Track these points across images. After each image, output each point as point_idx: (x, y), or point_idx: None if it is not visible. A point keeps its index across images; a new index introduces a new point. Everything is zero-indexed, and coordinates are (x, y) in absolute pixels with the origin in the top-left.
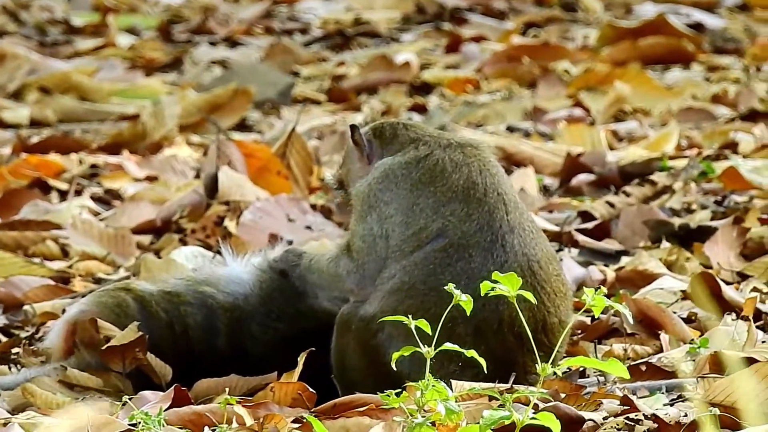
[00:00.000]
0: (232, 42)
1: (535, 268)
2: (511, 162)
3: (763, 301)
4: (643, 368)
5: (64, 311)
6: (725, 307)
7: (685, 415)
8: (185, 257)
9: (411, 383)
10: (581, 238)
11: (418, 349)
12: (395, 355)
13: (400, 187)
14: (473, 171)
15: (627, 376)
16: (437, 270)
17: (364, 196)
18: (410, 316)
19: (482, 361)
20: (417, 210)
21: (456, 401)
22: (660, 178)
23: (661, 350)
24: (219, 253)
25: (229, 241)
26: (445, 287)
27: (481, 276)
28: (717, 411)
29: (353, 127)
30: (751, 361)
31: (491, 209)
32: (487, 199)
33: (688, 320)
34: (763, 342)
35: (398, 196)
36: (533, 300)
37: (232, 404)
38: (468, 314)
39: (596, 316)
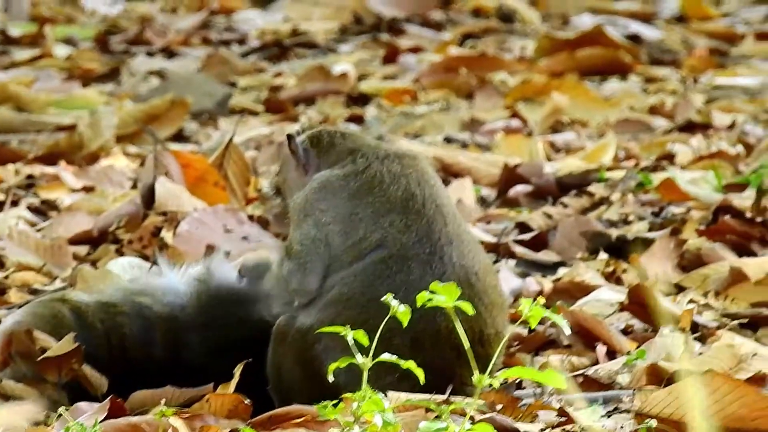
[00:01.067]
0: (169, 52)
1: (473, 280)
2: (449, 173)
3: (699, 313)
4: (580, 380)
5: None
6: (660, 319)
7: (622, 427)
8: (122, 268)
9: (347, 395)
10: (518, 249)
11: (354, 360)
12: (332, 367)
13: (338, 197)
14: (411, 182)
15: (564, 387)
16: (376, 281)
17: (300, 207)
18: (348, 328)
19: (419, 373)
20: (356, 220)
21: (393, 413)
22: (597, 189)
23: (597, 362)
24: (156, 263)
25: (166, 252)
26: (383, 299)
27: (420, 287)
28: (654, 423)
29: (289, 136)
30: (687, 373)
31: (430, 221)
32: (425, 211)
33: (625, 332)
34: (700, 354)
35: (336, 205)
36: (471, 311)
37: (167, 416)
38: (405, 326)
39: (533, 328)
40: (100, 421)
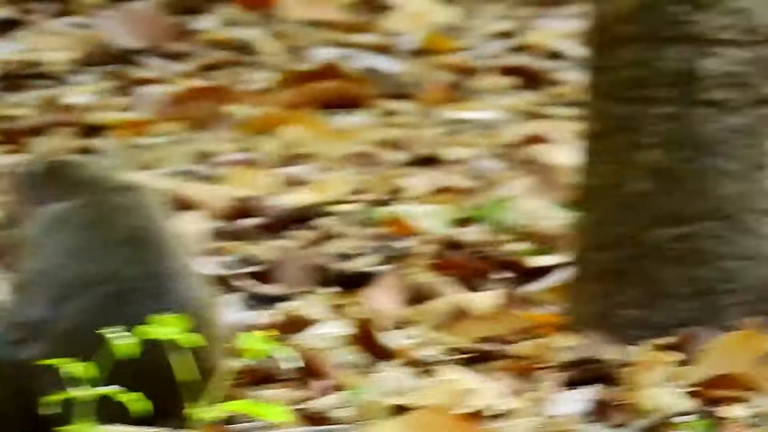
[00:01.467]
0: None
1: (198, 313)
2: (179, 205)
3: (422, 348)
4: (301, 414)
5: None
6: (383, 353)
7: None
8: None
9: (68, 427)
10: (246, 282)
11: (75, 393)
12: (51, 399)
13: (67, 230)
14: (139, 215)
15: (286, 420)
16: (101, 315)
17: (30, 239)
18: (70, 361)
19: (143, 406)
20: (83, 254)
21: None
22: (327, 222)
23: (318, 396)
24: None
25: None
26: (108, 332)
27: (145, 321)
28: None
29: (21, 168)
30: (404, 408)
31: (156, 254)
32: (151, 244)
33: (348, 366)
34: (420, 389)
35: (65, 238)
36: (193, 344)
37: None
38: (129, 359)
39: (255, 361)
40: None
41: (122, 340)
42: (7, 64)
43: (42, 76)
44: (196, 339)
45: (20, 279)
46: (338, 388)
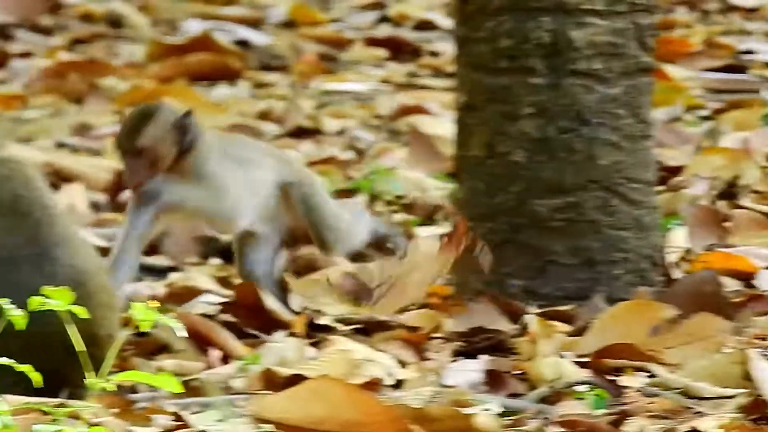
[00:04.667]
0: None
1: (83, 279)
2: (60, 178)
3: (313, 318)
4: (195, 384)
5: None
6: (275, 323)
7: None
8: None
9: None
10: None
11: None
12: None
13: None
14: (17, 185)
15: (179, 390)
16: None
17: None
18: None
19: (34, 376)
20: None
21: (10, 416)
22: None
23: (211, 366)
24: None
25: None
26: None
27: (30, 288)
28: (269, 427)
29: None
30: (301, 377)
31: (37, 222)
32: (33, 213)
33: (239, 337)
34: (315, 359)
35: None
36: (84, 314)
37: None
38: (18, 329)
39: (145, 332)
40: None
41: (12, 311)
42: None
43: None
44: (84, 308)
45: None
46: (232, 357)
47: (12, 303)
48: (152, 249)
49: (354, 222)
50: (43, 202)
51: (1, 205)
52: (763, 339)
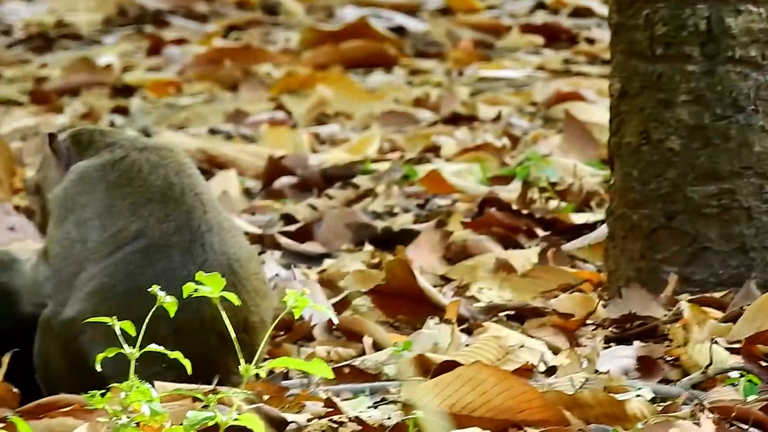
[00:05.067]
0: None
1: (235, 267)
2: (213, 164)
3: (465, 305)
4: (347, 370)
5: None
6: (428, 310)
7: (389, 418)
8: None
9: (115, 384)
10: (284, 240)
11: (120, 350)
12: (98, 357)
13: (96, 190)
14: (170, 172)
15: (331, 376)
16: (137, 270)
17: (60, 200)
18: (114, 318)
19: (186, 363)
20: (114, 211)
21: (160, 402)
22: (362, 181)
23: (364, 353)
24: None
25: None
26: (146, 288)
27: (182, 276)
28: (421, 414)
29: (50, 135)
30: (453, 363)
31: (189, 210)
32: (184, 200)
33: (391, 324)
34: (467, 345)
35: (94, 198)
36: (236, 301)
37: None
38: (170, 315)
39: (297, 318)
40: None
41: (164, 298)
42: (35, 26)
43: (70, 36)
44: (237, 295)
45: (50, 249)
46: (383, 345)
47: (163, 290)
48: (306, 235)
49: None
50: (196, 188)
51: (153, 192)
52: None
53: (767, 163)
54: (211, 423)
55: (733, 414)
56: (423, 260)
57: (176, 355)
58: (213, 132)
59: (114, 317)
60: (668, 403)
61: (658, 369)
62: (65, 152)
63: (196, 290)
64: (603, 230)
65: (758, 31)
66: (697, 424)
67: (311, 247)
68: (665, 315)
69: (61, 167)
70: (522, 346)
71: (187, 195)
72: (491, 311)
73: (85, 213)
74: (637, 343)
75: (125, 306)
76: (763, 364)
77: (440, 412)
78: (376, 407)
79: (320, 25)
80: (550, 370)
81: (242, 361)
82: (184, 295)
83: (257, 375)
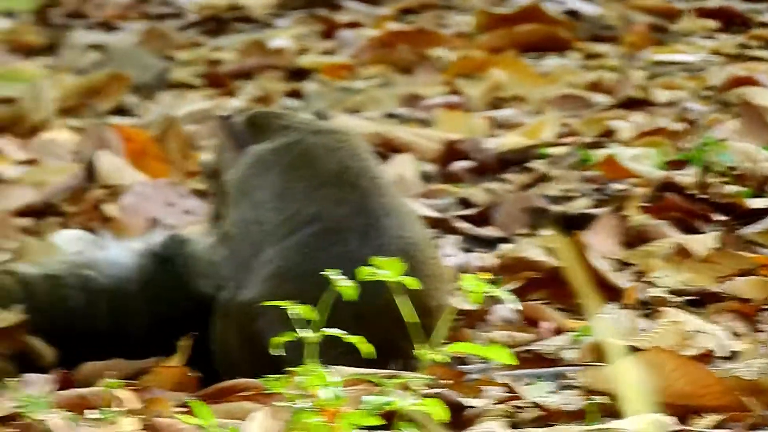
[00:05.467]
0: (108, 26)
1: (412, 251)
2: (389, 148)
3: (644, 290)
4: (526, 355)
5: None
6: (607, 295)
7: (569, 403)
8: (66, 240)
9: (293, 368)
10: (461, 224)
11: (298, 334)
12: (274, 341)
13: (272, 172)
14: (345, 155)
15: (512, 361)
16: (313, 254)
17: (235, 183)
18: (292, 302)
19: (364, 347)
20: (289, 195)
21: (338, 386)
22: (538, 165)
23: (542, 338)
24: (100, 236)
25: (109, 225)
26: (323, 271)
27: (357, 259)
28: (601, 399)
29: (224, 118)
30: (633, 349)
31: (365, 193)
32: (360, 183)
33: (569, 308)
34: (644, 330)
35: (270, 181)
36: (414, 285)
37: (115, 387)
38: (348, 299)
39: (475, 303)
40: (50, 392)
41: (343, 282)
42: (208, 8)
43: (243, 19)
44: (415, 279)
45: (227, 231)
46: (561, 330)
47: (340, 274)
48: (483, 220)
49: None
50: (371, 172)
51: (328, 176)
52: None
53: None
54: (389, 407)
55: None
56: (600, 245)
57: (355, 339)
58: (388, 116)
59: (290, 301)
60: None
61: None
62: (240, 135)
63: (374, 274)
64: None
65: None
66: None
67: (488, 231)
68: None
69: (236, 150)
70: (701, 332)
71: (363, 179)
72: (670, 296)
73: (260, 195)
74: None
75: (302, 289)
76: None
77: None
78: (555, 392)
79: (494, 9)
80: (730, 356)
81: (420, 345)
82: (361, 279)
83: (436, 360)
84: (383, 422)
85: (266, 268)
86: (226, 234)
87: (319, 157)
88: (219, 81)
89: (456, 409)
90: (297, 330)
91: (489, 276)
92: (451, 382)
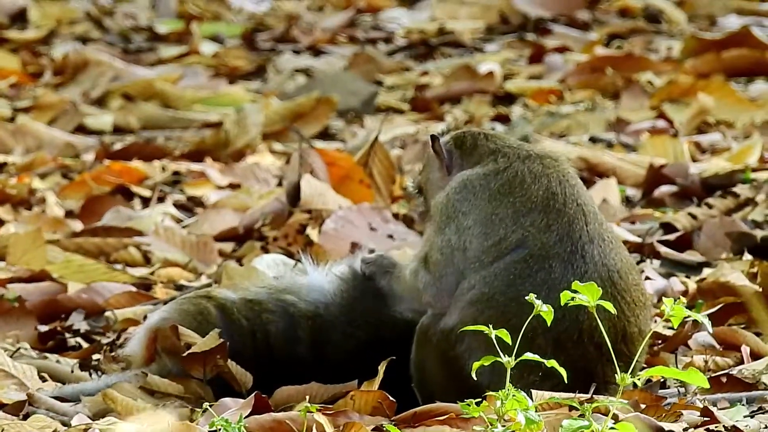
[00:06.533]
0: (315, 51)
1: (615, 278)
2: (594, 173)
3: None
4: (724, 380)
5: (145, 318)
6: None
7: (766, 427)
8: (267, 265)
9: (491, 393)
10: (663, 249)
11: (498, 359)
12: (475, 365)
13: (479, 198)
14: (552, 182)
15: (707, 386)
16: (517, 281)
17: (442, 207)
18: (490, 327)
19: (562, 372)
20: (496, 220)
21: (536, 411)
22: (743, 190)
23: (741, 362)
24: (300, 261)
25: (310, 250)
26: (525, 298)
27: (561, 286)
28: None
29: (434, 137)
30: None
31: (571, 220)
32: (566, 210)
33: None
34: None
35: (476, 206)
36: (613, 310)
37: (312, 412)
38: (548, 325)
39: (675, 327)
40: (245, 417)
41: (542, 307)
42: (417, 33)
43: (451, 44)
44: (616, 304)
45: (431, 255)
46: (760, 354)
47: (543, 300)
48: (686, 244)
49: None
50: (578, 198)
51: (535, 201)
52: None
53: None
54: None
55: None
56: None
57: (552, 363)
58: (594, 140)
59: (491, 327)
60: None
61: None
62: (447, 155)
63: (573, 299)
64: None
65: None
66: None
67: (691, 255)
68: None
69: (444, 169)
70: None
71: (569, 205)
72: None
73: (466, 221)
74: None
75: (504, 316)
76: None
77: None
78: (753, 416)
79: (702, 34)
80: None
81: (619, 370)
82: (562, 304)
83: (634, 384)
84: None
85: (469, 294)
86: (428, 258)
87: (527, 184)
88: (425, 105)
89: None
90: (496, 355)
91: (689, 301)
92: (648, 406)
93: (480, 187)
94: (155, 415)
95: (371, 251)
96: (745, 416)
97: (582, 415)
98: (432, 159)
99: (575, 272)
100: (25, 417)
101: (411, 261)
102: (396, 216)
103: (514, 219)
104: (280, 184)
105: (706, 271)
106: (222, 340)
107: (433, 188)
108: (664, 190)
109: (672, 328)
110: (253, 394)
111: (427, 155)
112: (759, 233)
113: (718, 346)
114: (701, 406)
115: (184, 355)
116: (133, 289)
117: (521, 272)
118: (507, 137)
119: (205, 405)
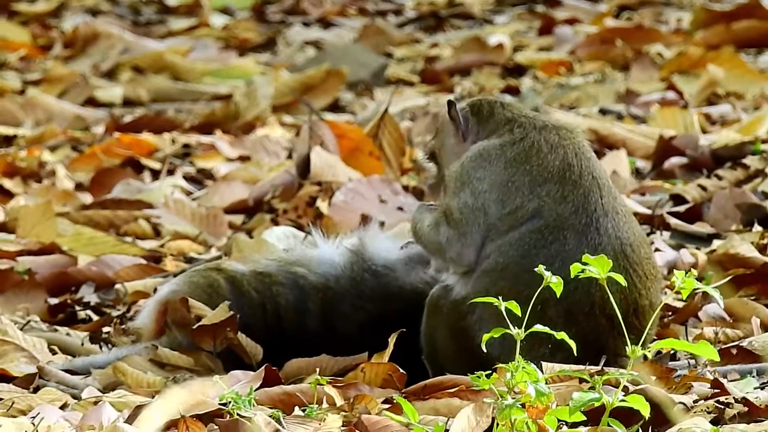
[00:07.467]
0: (325, 23)
1: (628, 251)
2: (604, 144)
3: None
4: (734, 351)
5: (155, 291)
6: None
7: None
8: (277, 237)
9: (501, 365)
10: (673, 221)
11: (508, 330)
12: (485, 337)
13: (494, 165)
14: (569, 153)
15: (717, 358)
16: (532, 251)
17: (456, 174)
18: (501, 298)
19: (573, 344)
20: (512, 188)
21: (546, 383)
22: (752, 161)
23: (752, 334)
24: (310, 234)
25: (320, 222)
26: (537, 269)
27: (575, 258)
28: None
29: (450, 103)
30: None
31: (586, 192)
32: (582, 182)
33: None
34: None
35: (492, 173)
36: (624, 283)
37: (322, 384)
38: (559, 296)
39: (685, 299)
40: (255, 390)
41: (553, 278)
42: (427, 5)
43: (461, 16)
44: (628, 277)
45: (451, 214)
46: None
47: (556, 272)
48: (696, 216)
49: None
50: (593, 171)
51: (551, 172)
52: None
53: None
54: (597, 404)
55: None
56: None
57: (563, 336)
58: (603, 112)
59: (502, 298)
60: None
61: None
62: (464, 121)
63: (583, 270)
64: None
65: None
66: None
67: (700, 227)
68: None
69: (459, 135)
70: None
71: (585, 177)
72: None
73: (481, 185)
74: None
75: (516, 287)
76: None
77: None
78: (763, 388)
79: (712, 5)
80: None
81: (630, 342)
82: (573, 276)
83: (645, 356)
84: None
85: (483, 264)
86: (443, 224)
87: (544, 153)
88: (435, 77)
89: (664, 405)
90: (507, 327)
91: (699, 273)
92: (659, 378)
93: (496, 156)
94: (167, 387)
95: (381, 223)
96: (755, 388)
97: (592, 388)
98: (447, 125)
99: (589, 244)
100: (36, 390)
101: (431, 217)
102: (406, 188)
103: (530, 188)
104: (289, 157)
105: (716, 243)
106: (232, 312)
107: (446, 155)
108: (674, 161)
109: (682, 300)
110: (263, 367)
111: (442, 121)
112: None
113: (728, 318)
114: (711, 378)
115: (194, 327)
116: (143, 261)
117: (536, 243)
118: (522, 107)
119: (215, 377)
